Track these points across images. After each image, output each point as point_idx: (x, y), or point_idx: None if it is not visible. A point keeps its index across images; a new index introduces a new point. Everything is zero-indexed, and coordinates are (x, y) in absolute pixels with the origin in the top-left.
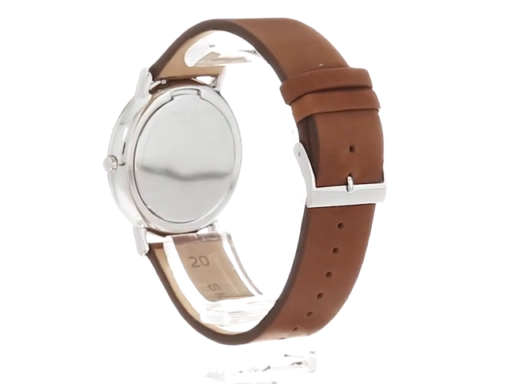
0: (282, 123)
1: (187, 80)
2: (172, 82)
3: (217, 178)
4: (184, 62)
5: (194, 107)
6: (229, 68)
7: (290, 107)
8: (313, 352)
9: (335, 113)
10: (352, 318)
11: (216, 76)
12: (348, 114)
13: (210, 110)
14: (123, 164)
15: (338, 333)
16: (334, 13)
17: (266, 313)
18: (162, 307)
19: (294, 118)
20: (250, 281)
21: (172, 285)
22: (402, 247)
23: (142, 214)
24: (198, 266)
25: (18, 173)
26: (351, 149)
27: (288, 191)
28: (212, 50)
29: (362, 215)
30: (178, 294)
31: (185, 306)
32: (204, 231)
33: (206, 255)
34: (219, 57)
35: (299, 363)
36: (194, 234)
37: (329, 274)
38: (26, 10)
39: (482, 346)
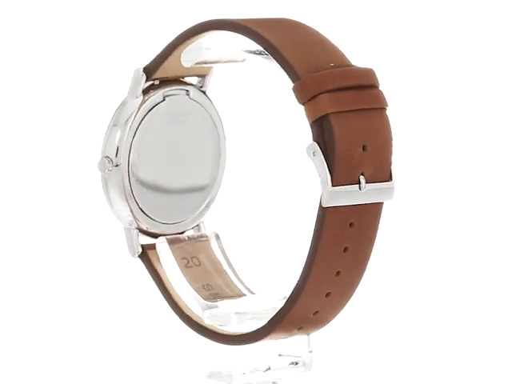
0: (268, 123)
1: (176, 80)
2: (163, 82)
3: (203, 178)
4: (179, 63)
5: (183, 107)
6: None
7: (303, 107)
8: (311, 351)
9: (348, 112)
10: (350, 317)
11: (203, 76)
12: (360, 113)
13: (198, 110)
14: (117, 165)
15: (336, 332)
16: (323, 12)
17: (270, 312)
18: (158, 309)
19: (308, 117)
20: (240, 281)
21: (167, 286)
22: (400, 246)
23: (133, 215)
24: (191, 266)
25: (10, 172)
26: (364, 148)
27: (277, 190)
28: (210, 50)
29: (371, 214)
30: (174, 296)
31: (182, 306)
32: (190, 232)
33: (196, 256)
34: (214, 57)
35: (297, 363)
36: (185, 235)
37: (338, 273)
38: (21, 9)
39: (482, 346)
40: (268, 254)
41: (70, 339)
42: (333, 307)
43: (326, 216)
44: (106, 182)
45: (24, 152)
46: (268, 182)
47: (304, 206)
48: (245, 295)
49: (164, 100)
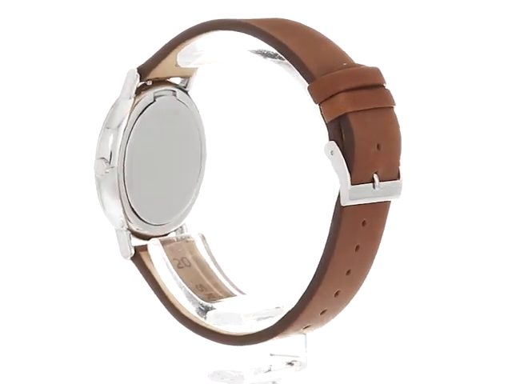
0: (253, 123)
1: (163, 81)
2: (154, 82)
3: (187, 179)
4: (174, 64)
5: (171, 108)
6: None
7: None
8: (306, 351)
9: (363, 111)
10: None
11: (188, 77)
12: (373, 112)
13: (184, 111)
14: (112, 167)
15: (332, 331)
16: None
17: (272, 312)
18: (151, 311)
19: (324, 117)
20: (229, 281)
21: (162, 288)
22: (394, 245)
23: (126, 215)
24: (182, 267)
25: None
26: (378, 147)
27: (256, 190)
28: (207, 51)
29: (381, 212)
30: (169, 297)
31: (178, 308)
32: (175, 234)
33: (186, 256)
34: (211, 58)
35: (292, 363)
36: (174, 236)
37: (348, 272)
38: (15, 10)
39: (481, 346)
40: (252, 253)
41: (69, 342)
42: (339, 306)
43: (344, 215)
44: (99, 183)
45: (15, 152)
46: (249, 183)
47: (281, 205)
48: (235, 295)
49: (154, 101)
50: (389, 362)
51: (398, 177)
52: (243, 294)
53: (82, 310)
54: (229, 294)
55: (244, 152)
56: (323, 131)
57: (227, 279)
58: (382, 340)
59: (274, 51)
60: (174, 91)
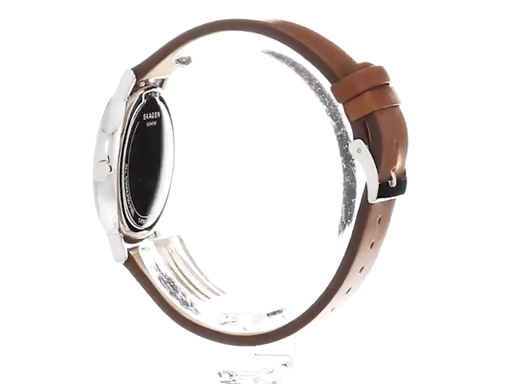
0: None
1: (147, 81)
2: (145, 83)
3: (163, 181)
4: (171, 65)
5: (153, 109)
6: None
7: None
8: (295, 351)
9: (384, 109)
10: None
11: (164, 78)
12: (390, 110)
13: (162, 111)
14: (112, 170)
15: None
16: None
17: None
18: (145, 314)
19: (349, 116)
20: (209, 281)
21: (158, 290)
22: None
23: (120, 217)
24: (172, 268)
25: None
26: (396, 144)
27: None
28: (210, 52)
29: (391, 209)
30: (166, 299)
31: (177, 310)
32: (153, 237)
33: (172, 258)
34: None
35: (286, 363)
36: (158, 239)
37: (361, 269)
38: (12, 10)
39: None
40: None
41: (72, 348)
42: (345, 302)
43: (371, 213)
44: (97, 186)
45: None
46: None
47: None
48: (218, 295)
49: (143, 102)
50: (384, 360)
51: (404, 174)
52: (224, 293)
53: (83, 317)
54: (213, 294)
55: (233, 152)
56: (344, 130)
57: (207, 279)
58: (377, 338)
59: (283, 53)
60: (155, 92)
